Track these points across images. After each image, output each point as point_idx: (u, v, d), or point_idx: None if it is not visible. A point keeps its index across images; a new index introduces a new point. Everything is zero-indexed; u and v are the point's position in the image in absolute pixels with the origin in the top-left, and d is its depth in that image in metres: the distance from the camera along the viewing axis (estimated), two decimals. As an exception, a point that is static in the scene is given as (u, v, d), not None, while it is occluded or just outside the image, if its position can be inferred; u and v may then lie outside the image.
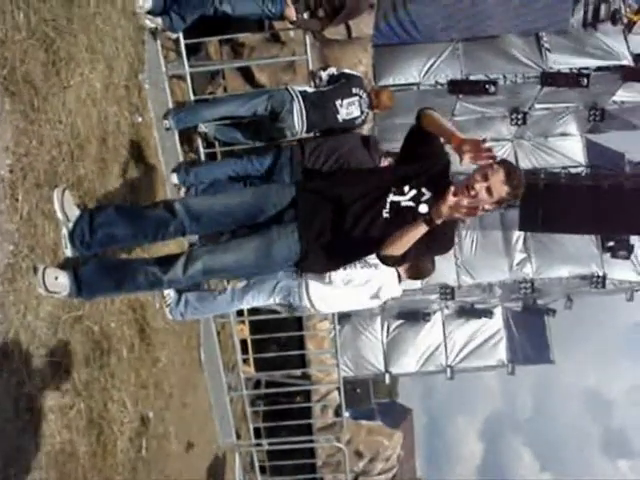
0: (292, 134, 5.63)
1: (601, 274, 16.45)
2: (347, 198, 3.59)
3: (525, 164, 15.85)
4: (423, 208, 3.50)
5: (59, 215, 3.37)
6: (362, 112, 5.70)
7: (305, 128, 5.58)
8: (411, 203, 3.54)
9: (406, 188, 3.56)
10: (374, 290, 5.08)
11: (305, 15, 5.75)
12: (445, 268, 17.52)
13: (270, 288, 5.07)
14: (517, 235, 17.64)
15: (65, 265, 3.42)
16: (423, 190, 3.55)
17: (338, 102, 5.58)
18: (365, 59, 10.17)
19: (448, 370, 19.90)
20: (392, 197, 3.54)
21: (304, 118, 5.53)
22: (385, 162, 5.45)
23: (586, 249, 16.47)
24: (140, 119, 5.05)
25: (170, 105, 5.90)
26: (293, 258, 3.53)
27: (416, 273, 5.08)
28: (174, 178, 5.67)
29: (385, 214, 3.53)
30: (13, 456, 3.03)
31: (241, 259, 3.50)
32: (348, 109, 5.59)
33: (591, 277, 16.67)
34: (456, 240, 3.49)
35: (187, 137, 6.34)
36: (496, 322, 19.90)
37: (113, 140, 4.37)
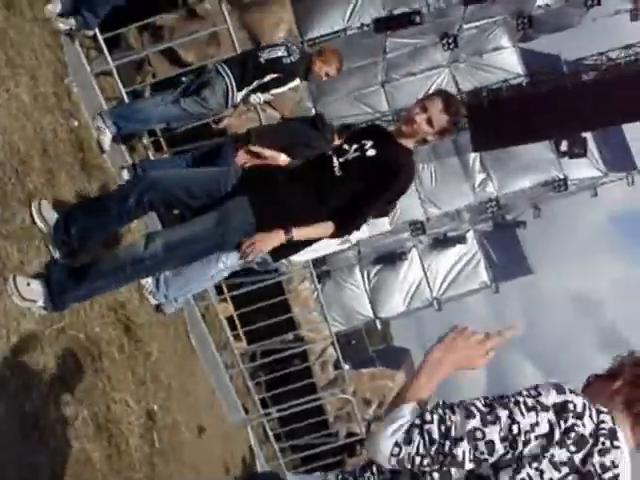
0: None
1: (562, 177, 16.68)
2: (296, 168, 3.78)
3: (466, 86, 15.94)
4: (371, 152, 3.60)
5: (40, 225, 3.58)
6: (289, 54, 5.45)
7: (234, 86, 5.45)
8: (357, 153, 3.63)
9: (346, 146, 3.69)
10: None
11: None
12: (410, 204, 17.67)
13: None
14: (473, 157, 17.83)
15: (36, 275, 3.44)
16: (363, 141, 3.66)
17: (259, 52, 5.50)
18: (286, 16, 10.11)
19: (435, 303, 20.18)
20: (339, 159, 3.64)
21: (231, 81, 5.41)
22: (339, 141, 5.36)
23: (542, 156, 16.69)
24: (76, 123, 5.00)
25: (103, 103, 5.83)
26: (249, 223, 3.57)
27: (380, 214, 5.21)
28: (124, 174, 5.63)
29: (338, 173, 3.61)
30: (31, 476, 3.07)
31: (199, 230, 3.57)
32: (269, 53, 5.44)
33: (552, 182, 16.90)
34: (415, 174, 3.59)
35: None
36: (471, 246, 20.17)
37: (54, 149, 4.33)
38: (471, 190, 18.66)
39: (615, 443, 1.80)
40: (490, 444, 1.74)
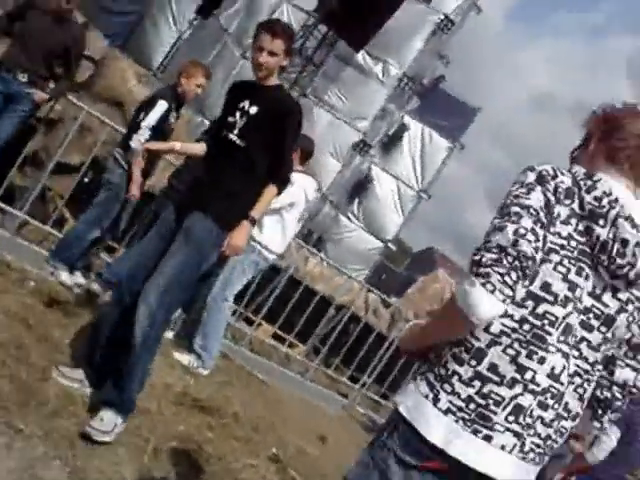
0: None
1: (442, 17, 16.78)
2: (207, 163, 4.00)
3: (309, 4, 15.91)
4: (253, 109, 3.80)
5: (74, 386, 3.77)
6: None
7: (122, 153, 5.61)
8: (244, 118, 3.80)
9: (231, 118, 3.85)
10: (302, 196, 5.64)
11: (51, 84, 5.67)
12: (340, 132, 17.72)
13: (239, 269, 5.53)
14: (361, 57, 17.84)
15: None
16: (241, 105, 3.84)
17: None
18: (126, 65, 10.05)
19: (423, 194, 20.32)
20: (233, 132, 3.82)
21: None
22: None
23: (418, 13, 16.78)
24: (32, 283, 5.03)
25: (40, 250, 5.83)
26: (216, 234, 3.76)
27: (305, 156, 5.58)
28: (105, 297, 5.59)
29: (241, 143, 3.79)
30: None
31: (176, 263, 3.68)
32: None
33: (439, 26, 17.00)
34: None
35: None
36: (415, 127, 20.28)
37: (33, 318, 4.37)
38: (380, 85, 18.71)
39: (595, 180, 1.97)
40: (533, 231, 1.87)
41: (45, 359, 3.96)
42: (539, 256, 1.88)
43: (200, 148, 4.46)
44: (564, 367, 1.93)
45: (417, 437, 1.94)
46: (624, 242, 1.88)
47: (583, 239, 1.92)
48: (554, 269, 1.91)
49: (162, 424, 4.11)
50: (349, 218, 20.58)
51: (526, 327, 1.91)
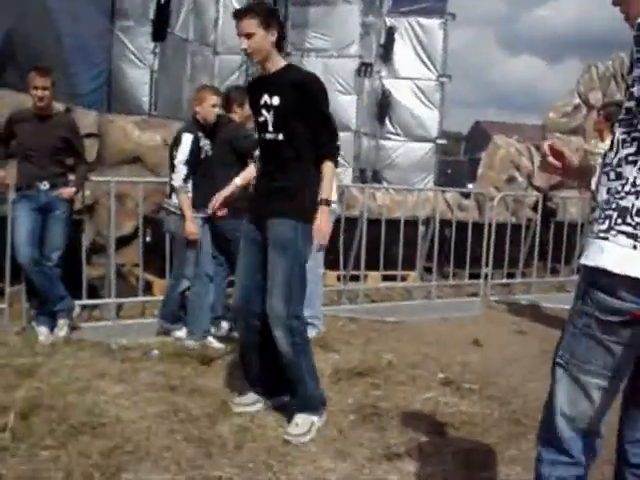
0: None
1: None
2: (260, 171, 4.04)
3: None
4: (275, 100, 3.75)
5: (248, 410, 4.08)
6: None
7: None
8: (271, 112, 3.76)
9: (260, 118, 3.82)
10: None
11: (71, 177, 5.81)
12: (339, 62, 17.56)
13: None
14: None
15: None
16: (263, 101, 3.79)
17: None
18: (127, 123, 10.16)
19: (443, 79, 19.97)
20: (268, 131, 3.80)
21: None
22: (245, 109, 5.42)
23: None
24: (156, 352, 5.21)
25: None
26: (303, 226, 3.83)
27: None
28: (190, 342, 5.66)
29: (279, 137, 3.76)
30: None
31: (284, 263, 3.81)
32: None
33: None
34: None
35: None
36: (401, 27, 19.93)
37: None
38: (348, 4, 18.43)
39: None
40: None
41: (203, 409, 4.13)
42: None
43: (252, 169, 4.43)
44: None
45: (623, 288, 1.98)
46: None
47: None
48: None
49: (333, 406, 4.23)
50: (389, 138, 20.41)
51: None
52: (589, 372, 2.11)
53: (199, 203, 5.32)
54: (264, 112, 3.78)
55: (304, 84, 3.76)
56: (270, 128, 3.77)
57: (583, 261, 2.09)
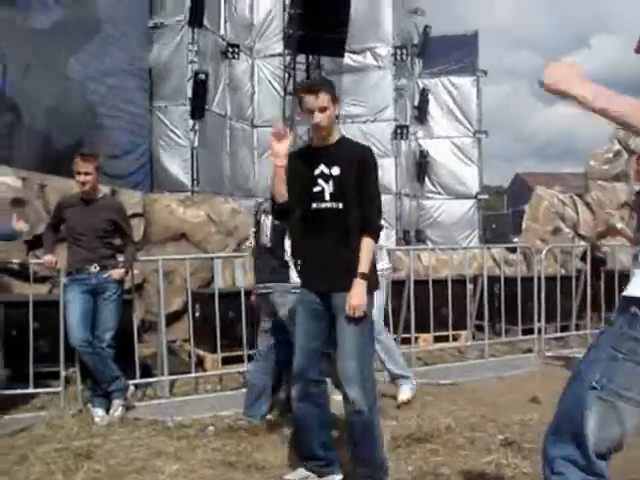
0: None
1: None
2: (307, 240, 4.03)
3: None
4: (335, 170, 3.79)
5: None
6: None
7: None
8: (330, 182, 3.80)
9: (316, 188, 3.83)
10: None
11: (120, 258, 5.92)
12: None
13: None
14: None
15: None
16: (320, 171, 3.83)
17: None
18: (171, 201, 10.34)
19: (480, 135, 20.02)
20: (322, 204, 3.82)
21: None
22: None
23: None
24: (211, 428, 5.19)
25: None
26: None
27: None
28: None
29: (335, 206, 3.80)
30: None
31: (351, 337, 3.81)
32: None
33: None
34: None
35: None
36: (435, 87, 20.15)
37: None
38: (380, 70, 18.77)
39: None
40: None
41: (263, 483, 4.09)
42: None
43: None
44: None
45: None
46: None
47: None
48: None
49: (392, 475, 4.15)
50: (430, 197, 20.46)
51: None
52: (628, 399, 2.09)
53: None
54: (321, 182, 3.80)
55: (363, 156, 3.84)
56: (327, 197, 3.78)
57: (630, 291, 2.10)
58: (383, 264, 6.03)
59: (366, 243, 3.80)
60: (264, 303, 5.48)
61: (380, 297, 5.93)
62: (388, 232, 5.96)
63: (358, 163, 3.77)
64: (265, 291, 5.36)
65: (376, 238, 3.88)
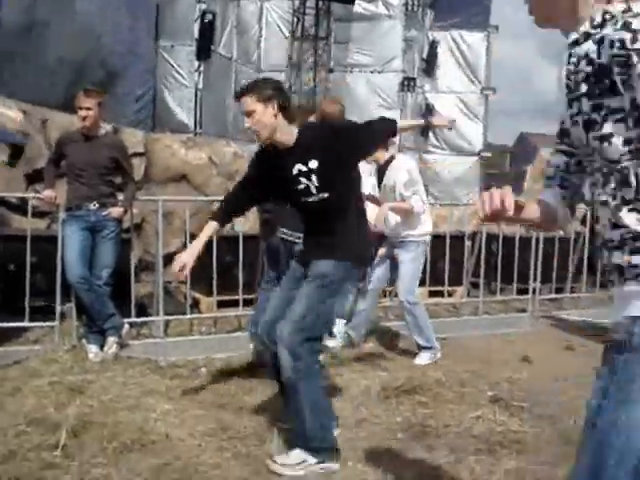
0: None
1: None
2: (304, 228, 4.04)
3: None
4: (313, 163, 3.64)
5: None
6: None
7: None
8: (313, 175, 3.67)
9: (300, 186, 3.71)
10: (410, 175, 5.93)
11: (119, 196, 5.90)
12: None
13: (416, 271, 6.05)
14: None
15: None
16: (297, 170, 3.70)
17: None
18: (173, 142, 10.28)
19: (487, 92, 19.85)
20: (310, 198, 3.71)
21: None
22: None
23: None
24: (204, 369, 5.24)
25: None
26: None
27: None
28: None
29: (325, 196, 3.69)
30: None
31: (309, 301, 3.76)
32: None
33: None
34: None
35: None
36: (444, 40, 19.88)
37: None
38: (390, 19, 18.46)
39: None
40: None
41: (252, 426, 4.15)
42: None
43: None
44: None
45: None
46: None
47: None
48: None
49: (381, 425, 4.21)
50: (433, 152, 20.35)
51: None
52: None
53: None
54: (303, 180, 3.66)
55: (328, 131, 3.78)
56: (314, 191, 3.66)
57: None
58: (423, 228, 6.04)
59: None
60: (283, 249, 5.37)
61: (418, 264, 6.01)
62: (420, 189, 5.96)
63: (330, 142, 3.65)
64: (291, 239, 5.21)
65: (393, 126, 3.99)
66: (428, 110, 19.93)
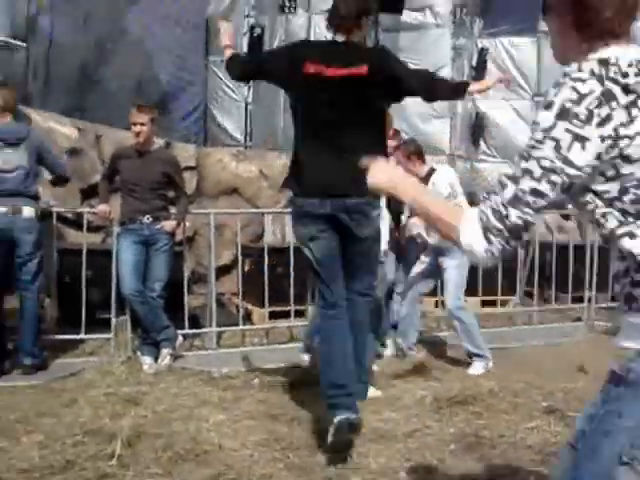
0: None
1: None
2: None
3: None
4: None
5: None
6: None
7: None
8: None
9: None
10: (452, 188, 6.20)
11: (172, 210, 5.99)
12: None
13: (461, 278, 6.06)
14: None
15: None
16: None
17: None
18: (224, 155, 10.34)
19: (538, 98, 19.57)
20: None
21: None
22: None
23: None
24: (256, 380, 5.27)
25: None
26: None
27: (419, 155, 6.17)
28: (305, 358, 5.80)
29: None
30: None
31: None
32: None
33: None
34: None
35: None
36: (493, 47, 19.70)
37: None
38: (438, 28, 18.40)
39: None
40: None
41: (302, 437, 4.15)
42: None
43: None
44: None
45: None
46: None
47: None
48: None
49: (433, 435, 4.18)
50: (485, 160, 20.15)
51: None
52: None
53: None
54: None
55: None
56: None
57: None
58: None
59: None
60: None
61: (462, 270, 5.98)
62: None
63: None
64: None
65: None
66: (479, 118, 19.76)
